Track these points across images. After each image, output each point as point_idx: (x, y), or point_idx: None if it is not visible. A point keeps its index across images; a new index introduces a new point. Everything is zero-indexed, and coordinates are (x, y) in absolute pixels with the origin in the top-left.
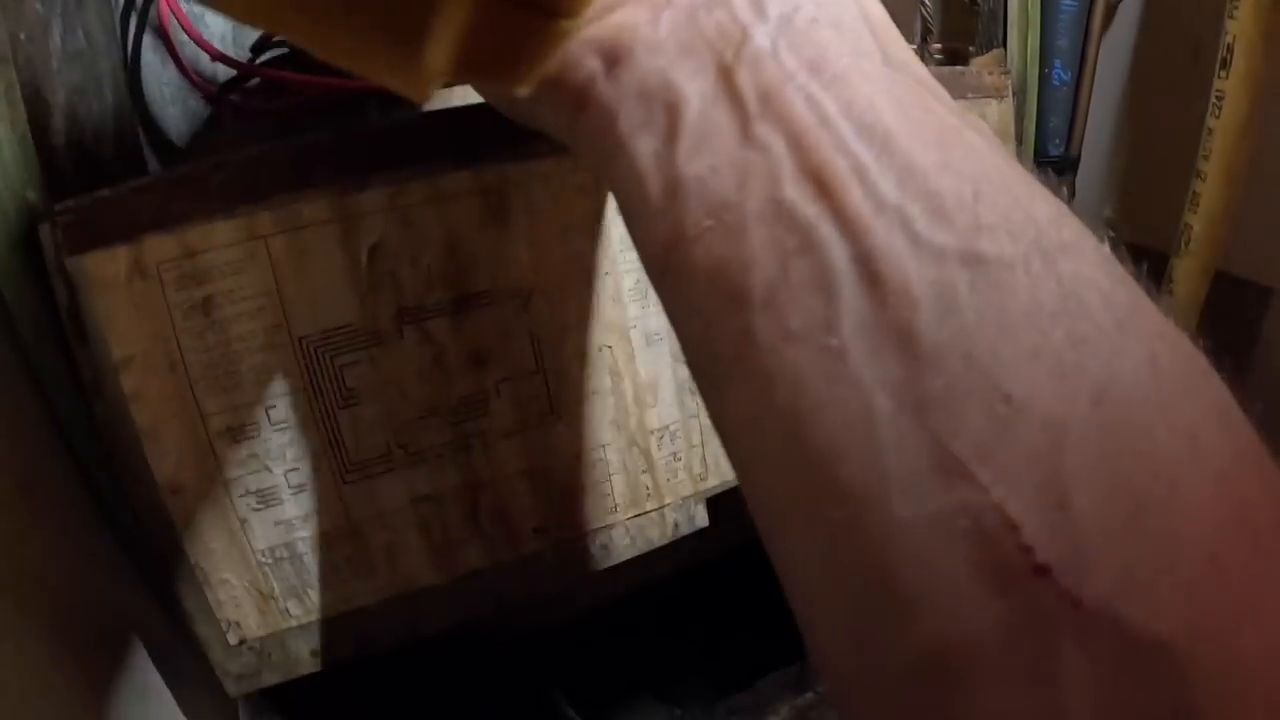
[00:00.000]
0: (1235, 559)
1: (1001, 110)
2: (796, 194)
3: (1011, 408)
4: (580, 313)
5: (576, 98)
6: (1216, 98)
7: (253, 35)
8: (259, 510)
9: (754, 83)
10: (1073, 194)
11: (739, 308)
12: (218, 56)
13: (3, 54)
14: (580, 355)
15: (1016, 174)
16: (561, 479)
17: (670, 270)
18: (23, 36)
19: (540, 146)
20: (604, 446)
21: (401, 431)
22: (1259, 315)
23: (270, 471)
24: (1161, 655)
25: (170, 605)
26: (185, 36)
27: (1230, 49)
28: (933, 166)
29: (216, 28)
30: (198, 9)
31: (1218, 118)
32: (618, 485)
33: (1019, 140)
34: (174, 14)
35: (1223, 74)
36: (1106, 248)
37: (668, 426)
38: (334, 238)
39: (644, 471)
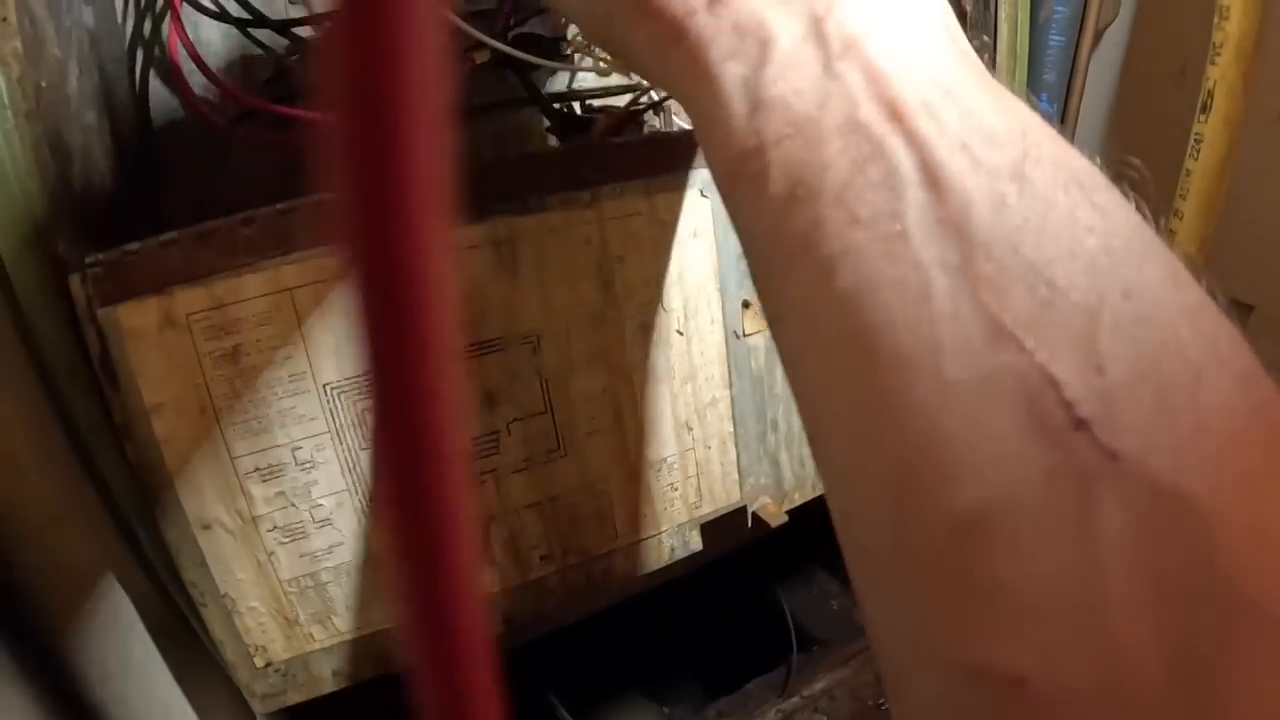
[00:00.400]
0: (1258, 445)
1: None
2: (871, 115)
3: (1053, 291)
4: (586, 355)
5: (675, 29)
6: (1195, 140)
7: (262, 71)
8: (285, 543)
9: (839, 32)
10: None
11: (812, 201)
12: (228, 91)
13: (29, 107)
14: (586, 395)
15: (1057, 132)
16: (567, 510)
17: (745, 175)
18: (44, 84)
19: (549, 200)
20: (606, 479)
21: None
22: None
23: (296, 508)
24: (1191, 509)
25: (198, 630)
26: (193, 66)
27: (1211, 94)
28: (989, 110)
29: (219, 59)
30: (205, 38)
31: (1196, 159)
32: (619, 514)
33: None
34: (183, 46)
35: (1202, 117)
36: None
37: (665, 459)
38: None
39: (643, 501)
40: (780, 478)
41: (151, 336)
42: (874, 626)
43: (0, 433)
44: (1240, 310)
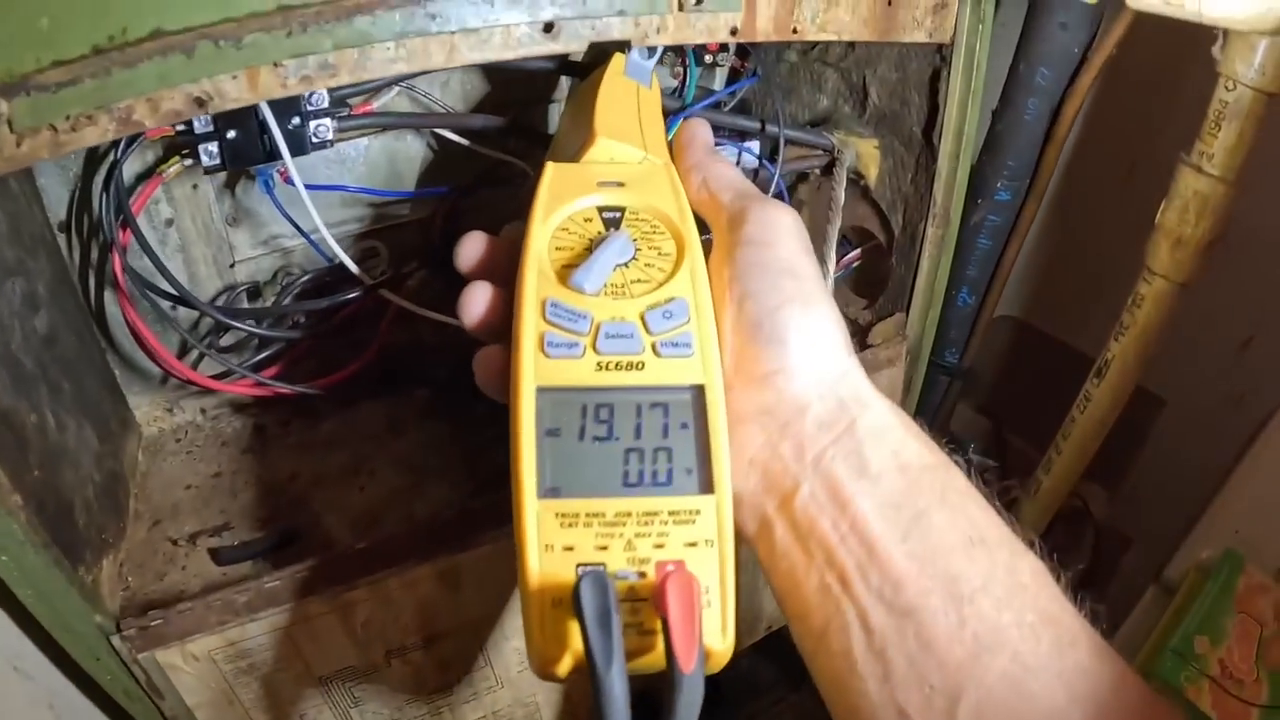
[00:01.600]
0: None
1: (892, 375)
2: (831, 579)
3: (933, 690)
4: (517, 627)
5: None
6: (1085, 397)
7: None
8: None
9: (803, 513)
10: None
11: (810, 636)
12: (176, 374)
13: (45, 538)
14: (518, 649)
15: (954, 541)
16: (505, 718)
17: (784, 608)
18: (37, 472)
19: (483, 536)
20: (534, 694)
21: (395, 712)
22: (1150, 421)
23: None
24: None
25: None
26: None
27: (1108, 363)
28: (899, 556)
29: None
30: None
31: (1081, 413)
32: (544, 713)
33: (917, 353)
34: (141, 332)
35: (1095, 380)
36: (1004, 581)
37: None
38: (334, 621)
39: (562, 701)
40: None
41: (184, 667)
42: None
43: None
44: (1154, 402)
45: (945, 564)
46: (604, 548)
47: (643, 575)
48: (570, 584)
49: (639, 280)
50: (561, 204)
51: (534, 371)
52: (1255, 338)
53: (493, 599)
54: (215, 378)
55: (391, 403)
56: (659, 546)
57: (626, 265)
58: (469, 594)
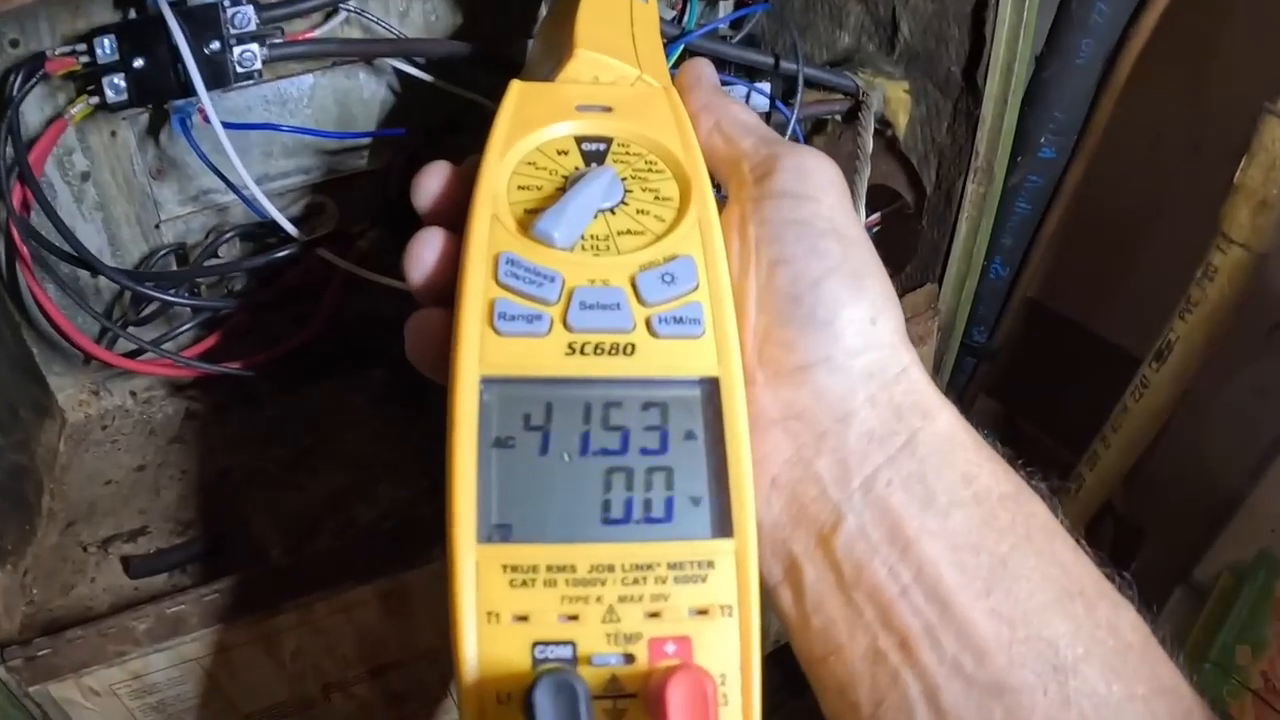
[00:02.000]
0: None
1: (921, 355)
2: (887, 644)
3: None
4: None
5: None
6: (1142, 383)
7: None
8: None
9: (848, 555)
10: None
11: (852, 717)
12: (89, 354)
13: None
14: None
15: (1047, 594)
16: None
17: (812, 676)
18: None
19: (435, 550)
20: None
21: None
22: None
23: None
24: None
25: None
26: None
27: (1170, 345)
28: (980, 616)
29: None
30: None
31: (1137, 401)
32: None
33: (949, 330)
34: (41, 300)
35: (1155, 364)
36: (1110, 642)
37: None
38: (258, 652)
39: None
40: None
41: (83, 702)
42: None
43: None
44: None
45: (1040, 625)
46: (574, 617)
47: (630, 659)
48: (523, 674)
49: (629, 231)
50: (528, 131)
51: (478, 354)
52: None
53: (448, 624)
54: (129, 356)
55: (343, 385)
56: (654, 616)
57: (613, 211)
58: (420, 619)
